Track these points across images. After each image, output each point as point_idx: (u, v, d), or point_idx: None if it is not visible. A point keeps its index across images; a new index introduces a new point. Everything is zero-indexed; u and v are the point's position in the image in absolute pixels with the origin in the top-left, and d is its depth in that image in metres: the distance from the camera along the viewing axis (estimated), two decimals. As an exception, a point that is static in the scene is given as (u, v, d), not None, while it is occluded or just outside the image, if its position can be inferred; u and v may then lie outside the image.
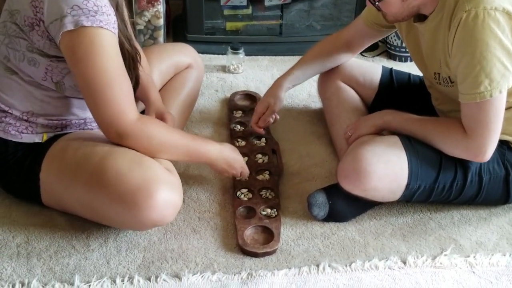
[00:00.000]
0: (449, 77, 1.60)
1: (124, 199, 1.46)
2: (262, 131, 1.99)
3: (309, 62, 1.98)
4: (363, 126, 1.76)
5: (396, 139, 1.65)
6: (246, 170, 1.78)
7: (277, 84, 1.97)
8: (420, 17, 1.61)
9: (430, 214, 1.76)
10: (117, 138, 1.52)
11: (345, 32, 1.96)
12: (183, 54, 2.06)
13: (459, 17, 1.44)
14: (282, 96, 1.95)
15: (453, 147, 1.59)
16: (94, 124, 1.67)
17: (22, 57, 1.51)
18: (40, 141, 1.60)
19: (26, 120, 1.59)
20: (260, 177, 1.87)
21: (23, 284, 1.47)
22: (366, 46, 1.99)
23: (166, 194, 1.48)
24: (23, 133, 1.59)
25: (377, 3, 1.53)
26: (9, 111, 1.58)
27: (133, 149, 1.54)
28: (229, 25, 2.82)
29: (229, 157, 1.72)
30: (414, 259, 1.59)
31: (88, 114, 1.62)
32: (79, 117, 1.66)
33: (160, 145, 1.58)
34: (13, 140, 1.59)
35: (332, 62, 1.99)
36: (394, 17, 1.59)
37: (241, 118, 2.18)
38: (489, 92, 1.46)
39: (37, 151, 1.59)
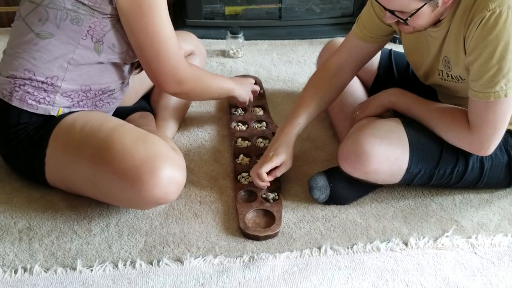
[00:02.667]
0: (459, 75, 1.58)
1: (128, 175, 1.47)
2: (266, 184, 1.69)
3: (310, 105, 1.75)
4: (371, 106, 1.76)
5: (398, 122, 1.64)
6: (255, 85, 2.09)
7: (289, 140, 1.71)
8: None
9: (432, 196, 1.76)
10: (176, 85, 1.69)
11: (334, 59, 1.80)
12: (185, 42, 2.06)
13: (482, 16, 1.41)
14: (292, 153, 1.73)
15: (456, 140, 1.59)
16: (108, 100, 1.71)
17: (65, 16, 1.54)
18: (54, 115, 1.61)
19: (45, 90, 1.59)
20: (261, 160, 1.87)
21: (25, 270, 1.47)
22: (361, 68, 1.83)
23: (169, 171, 1.49)
24: (40, 103, 1.59)
25: (408, 18, 1.45)
26: (32, 77, 1.58)
27: (185, 95, 1.81)
28: (228, 10, 2.81)
29: (242, 85, 2.01)
30: (416, 240, 1.59)
31: (109, 84, 1.67)
32: (101, 86, 1.67)
33: (207, 86, 1.84)
34: (28, 110, 1.59)
35: (330, 95, 1.80)
36: (416, 29, 1.52)
37: (241, 102, 2.17)
38: (504, 91, 1.45)
39: (47, 127, 1.59)
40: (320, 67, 1.84)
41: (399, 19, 1.47)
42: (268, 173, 1.66)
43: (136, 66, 1.80)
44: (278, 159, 1.66)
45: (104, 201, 1.63)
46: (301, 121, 1.72)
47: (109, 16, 1.56)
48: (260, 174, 1.65)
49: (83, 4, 1.53)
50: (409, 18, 1.45)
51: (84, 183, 1.58)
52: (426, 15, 1.45)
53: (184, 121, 2.08)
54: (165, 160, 1.49)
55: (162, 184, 1.48)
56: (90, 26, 1.56)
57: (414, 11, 1.43)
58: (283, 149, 1.68)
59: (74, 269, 1.48)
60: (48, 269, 1.48)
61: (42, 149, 1.58)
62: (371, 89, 1.99)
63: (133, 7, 1.54)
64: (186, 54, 2.08)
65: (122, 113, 1.84)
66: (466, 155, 1.61)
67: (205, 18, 2.77)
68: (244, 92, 2.01)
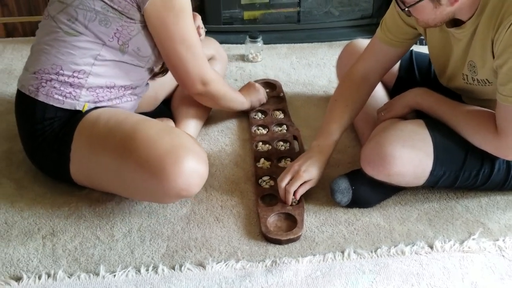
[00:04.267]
0: (486, 78, 1.56)
1: (152, 165, 1.48)
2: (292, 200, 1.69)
3: (342, 119, 1.73)
4: (396, 106, 1.74)
5: (421, 124, 1.62)
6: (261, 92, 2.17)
7: (323, 160, 1.69)
8: (454, 22, 1.54)
9: (457, 198, 1.74)
10: (201, 86, 1.77)
11: (359, 67, 1.78)
12: (206, 47, 2.08)
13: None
14: None
15: (482, 144, 1.56)
16: (131, 96, 1.74)
17: (94, 17, 1.57)
18: (80, 110, 1.63)
19: (72, 84, 1.61)
20: (281, 164, 1.86)
21: (49, 275, 1.48)
22: (386, 72, 1.81)
23: (193, 162, 1.51)
24: (66, 97, 1.62)
25: (406, 8, 1.45)
26: (59, 71, 1.60)
27: (209, 97, 1.84)
28: (247, 14, 2.81)
29: (254, 94, 2.12)
30: (442, 243, 1.56)
31: (132, 81, 1.71)
32: (124, 83, 1.70)
33: (228, 91, 1.93)
34: (55, 105, 1.62)
35: (359, 105, 1.78)
36: (425, 23, 1.51)
37: (261, 106, 2.16)
38: None
39: (71, 122, 1.61)
40: (346, 76, 1.81)
41: (399, 5, 1.47)
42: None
43: (160, 67, 1.85)
44: (308, 176, 1.65)
45: (127, 195, 1.65)
46: (336, 138, 1.71)
47: (136, 21, 1.60)
48: (289, 193, 1.65)
49: (112, 8, 1.56)
50: (408, 9, 1.45)
51: (108, 175, 1.59)
52: (428, 11, 1.44)
53: (205, 126, 2.08)
54: (189, 151, 1.51)
55: (185, 175, 1.49)
56: (117, 29, 1.59)
57: (413, 3, 1.43)
58: (316, 169, 1.67)
59: (97, 274, 1.48)
60: (71, 275, 1.48)
61: (67, 144, 1.60)
62: (392, 90, 1.97)
63: (161, 16, 1.60)
64: (207, 59, 2.08)
65: (142, 119, 1.86)
66: (491, 157, 1.58)
67: (224, 23, 2.78)
68: (255, 100, 2.12)
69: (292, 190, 1.64)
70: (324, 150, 1.69)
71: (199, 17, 1.90)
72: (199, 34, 1.83)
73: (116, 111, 1.65)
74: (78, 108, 1.63)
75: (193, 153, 1.52)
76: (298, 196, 1.66)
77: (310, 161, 1.67)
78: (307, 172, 1.65)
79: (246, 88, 2.15)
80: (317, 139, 1.73)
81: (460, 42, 1.57)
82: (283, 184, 1.66)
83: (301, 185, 1.65)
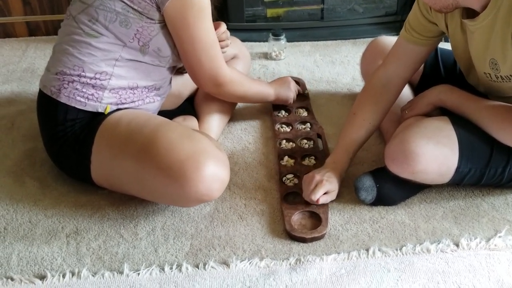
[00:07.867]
0: (510, 74, 1.52)
1: (173, 170, 1.48)
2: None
3: (359, 133, 1.74)
4: (420, 104, 1.72)
5: (446, 121, 1.59)
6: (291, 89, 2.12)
7: (339, 175, 1.69)
8: (470, 13, 1.52)
9: (483, 195, 1.71)
10: (214, 88, 1.79)
11: (381, 72, 1.76)
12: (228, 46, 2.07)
13: None
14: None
15: (507, 139, 1.53)
16: (154, 97, 1.75)
17: (114, 18, 1.58)
18: (102, 112, 1.64)
19: (94, 86, 1.62)
20: (305, 162, 1.85)
21: (73, 274, 1.49)
22: (410, 77, 1.78)
23: (214, 167, 1.50)
24: (88, 99, 1.62)
25: None
26: (81, 73, 1.61)
27: (225, 97, 1.89)
28: (270, 12, 2.81)
29: (284, 87, 2.08)
30: (467, 241, 1.54)
31: (155, 82, 1.72)
32: (147, 83, 1.71)
33: (246, 91, 1.90)
34: (76, 107, 1.62)
35: (381, 115, 1.76)
36: (430, 5, 1.51)
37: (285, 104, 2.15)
38: None
39: (93, 124, 1.62)
40: (367, 85, 1.79)
41: None
42: None
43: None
44: (329, 186, 1.65)
45: (148, 198, 1.64)
46: (351, 155, 1.72)
47: (156, 21, 1.60)
48: (312, 201, 1.64)
49: (133, 8, 1.57)
50: None
51: (129, 179, 1.59)
52: None
53: (228, 124, 2.08)
54: (210, 157, 1.50)
55: (206, 180, 1.48)
56: (137, 30, 1.59)
57: None
58: (335, 182, 1.67)
59: (121, 273, 1.49)
60: (95, 273, 1.49)
61: (88, 146, 1.60)
62: (417, 87, 1.95)
63: (180, 16, 1.60)
64: (230, 57, 2.08)
65: (165, 116, 1.85)
66: None
67: (247, 21, 2.78)
68: (283, 94, 2.08)
69: (315, 198, 1.63)
70: (339, 168, 1.70)
71: (223, 25, 1.90)
72: (222, 39, 1.85)
73: (138, 113, 1.65)
74: (100, 110, 1.63)
75: (213, 158, 1.51)
76: (320, 202, 1.64)
77: (329, 174, 1.67)
78: (329, 183, 1.65)
79: (279, 80, 2.12)
80: (332, 155, 1.74)
81: (473, 35, 1.54)
82: (307, 194, 1.65)
83: (323, 194, 1.65)
